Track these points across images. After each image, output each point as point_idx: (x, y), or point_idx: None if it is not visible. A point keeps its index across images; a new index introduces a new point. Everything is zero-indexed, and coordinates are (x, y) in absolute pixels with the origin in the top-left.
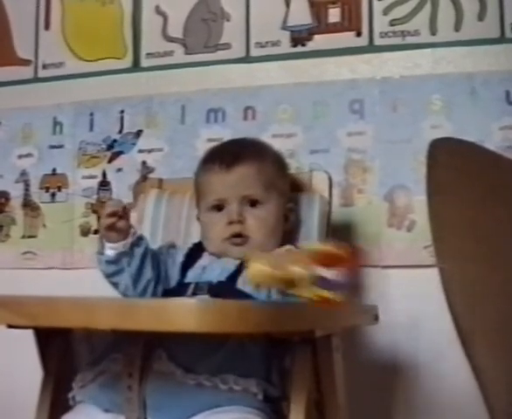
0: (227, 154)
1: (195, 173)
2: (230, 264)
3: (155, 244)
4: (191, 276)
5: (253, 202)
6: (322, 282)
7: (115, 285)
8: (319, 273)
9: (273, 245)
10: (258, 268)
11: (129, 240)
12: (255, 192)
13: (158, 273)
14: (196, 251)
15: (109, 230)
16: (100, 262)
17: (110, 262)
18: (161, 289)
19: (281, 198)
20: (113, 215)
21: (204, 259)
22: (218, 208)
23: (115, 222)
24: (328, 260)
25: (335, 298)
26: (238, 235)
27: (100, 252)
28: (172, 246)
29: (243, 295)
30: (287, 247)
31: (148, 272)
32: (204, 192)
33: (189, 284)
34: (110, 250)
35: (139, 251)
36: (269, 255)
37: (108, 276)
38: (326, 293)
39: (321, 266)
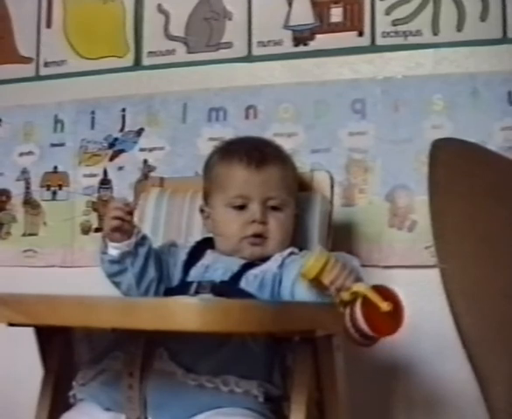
0: (256, 153)
1: (211, 163)
2: (233, 265)
3: (155, 243)
4: (194, 275)
5: (275, 205)
6: (352, 320)
7: (118, 284)
8: (356, 312)
9: (283, 250)
10: (313, 270)
11: (133, 240)
12: (279, 195)
13: (161, 273)
14: (198, 250)
15: (114, 230)
16: (103, 261)
17: (114, 261)
18: (163, 288)
19: (295, 203)
20: (117, 217)
21: (207, 258)
22: (240, 204)
23: (120, 225)
24: (370, 311)
25: (352, 335)
26: (259, 235)
27: (104, 252)
28: (173, 245)
29: (246, 295)
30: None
31: (152, 272)
32: (223, 185)
33: (191, 283)
34: (114, 250)
35: (143, 251)
36: (331, 259)
37: (111, 275)
38: (348, 327)
39: (362, 312)
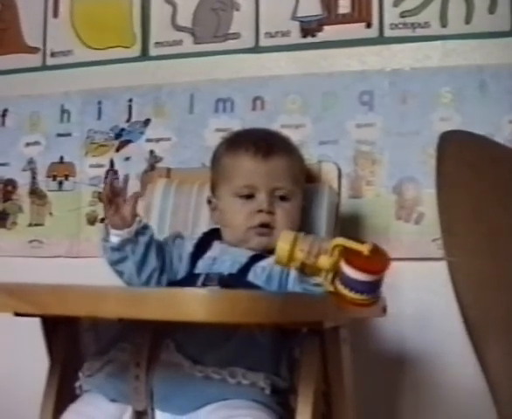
0: (263, 143)
1: (218, 154)
2: (241, 257)
3: (162, 234)
4: (201, 266)
5: (282, 196)
6: (345, 279)
7: (120, 273)
8: (343, 270)
9: None
10: (284, 248)
11: (134, 227)
12: (286, 185)
13: (163, 263)
14: (205, 241)
15: (110, 205)
16: (105, 249)
17: (114, 249)
18: (165, 279)
19: (302, 195)
20: (112, 193)
21: (214, 249)
22: (246, 194)
23: (116, 201)
24: (355, 259)
25: (354, 298)
26: (266, 225)
27: (105, 239)
28: (179, 236)
29: (254, 288)
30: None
31: (153, 261)
32: (230, 175)
33: (199, 274)
34: (115, 237)
35: (143, 239)
36: (299, 236)
37: (113, 264)
38: (346, 292)
39: (347, 263)
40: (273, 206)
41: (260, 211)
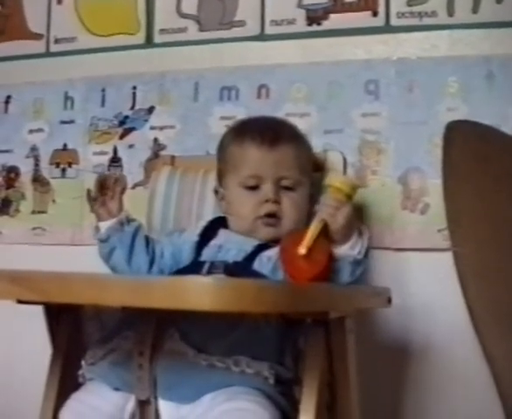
0: (269, 132)
1: (224, 143)
2: (247, 246)
3: (166, 222)
4: (206, 254)
5: (288, 185)
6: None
7: (113, 269)
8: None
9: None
10: (343, 190)
11: (120, 217)
12: (292, 175)
13: (153, 256)
14: (210, 229)
15: (95, 200)
16: (98, 246)
17: (103, 240)
18: (156, 272)
19: (309, 184)
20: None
21: (220, 237)
22: (253, 185)
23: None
24: (290, 258)
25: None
26: (273, 215)
27: (96, 236)
28: (175, 232)
29: (259, 277)
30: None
31: (142, 251)
32: (236, 165)
33: (204, 262)
34: (102, 229)
35: (129, 229)
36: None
37: (105, 258)
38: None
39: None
40: (278, 195)
41: (267, 201)
